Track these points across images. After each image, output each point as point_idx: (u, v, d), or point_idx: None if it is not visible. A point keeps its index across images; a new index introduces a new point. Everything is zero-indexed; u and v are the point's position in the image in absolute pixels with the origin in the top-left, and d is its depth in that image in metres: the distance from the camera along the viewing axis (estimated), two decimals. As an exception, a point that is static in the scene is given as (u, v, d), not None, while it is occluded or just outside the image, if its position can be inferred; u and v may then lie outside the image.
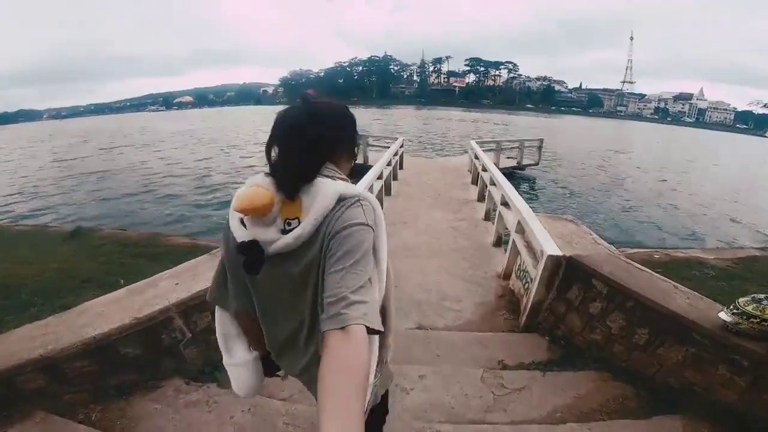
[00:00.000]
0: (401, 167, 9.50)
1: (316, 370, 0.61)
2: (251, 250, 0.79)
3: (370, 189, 4.85)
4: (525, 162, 11.32)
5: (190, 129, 38.06)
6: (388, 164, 6.96)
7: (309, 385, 0.95)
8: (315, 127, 0.81)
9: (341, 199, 0.78)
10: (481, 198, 6.95)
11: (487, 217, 5.93)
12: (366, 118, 43.00)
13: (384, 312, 0.95)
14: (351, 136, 0.94)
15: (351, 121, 0.93)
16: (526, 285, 3.05)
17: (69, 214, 9.53)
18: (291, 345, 0.90)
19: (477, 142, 9.10)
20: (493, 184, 5.62)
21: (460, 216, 6.12)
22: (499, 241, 4.85)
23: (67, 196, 11.55)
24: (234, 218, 0.83)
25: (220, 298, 0.97)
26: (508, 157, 11.29)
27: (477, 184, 7.20)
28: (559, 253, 2.61)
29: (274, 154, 0.83)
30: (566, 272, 2.64)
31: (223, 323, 1.00)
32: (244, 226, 0.82)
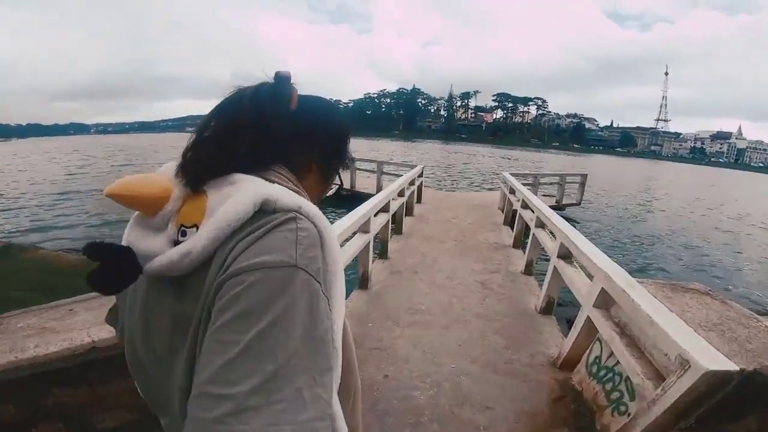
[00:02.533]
0: (419, 200, 8.15)
1: None
2: (106, 256, 0.47)
3: (367, 225, 3.54)
4: (565, 201, 9.70)
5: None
6: (400, 194, 5.63)
7: None
8: (269, 105, 0.53)
9: (265, 209, 0.46)
10: (518, 243, 5.48)
11: (529, 270, 4.48)
12: (390, 150, 42.47)
13: (348, 397, 0.60)
14: (324, 141, 0.62)
15: (334, 121, 0.64)
16: (617, 395, 1.94)
17: (25, 229, 9.08)
18: (168, 404, 0.51)
19: (512, 174, 7.69)
20: (540, 225, 4.20)
21: (491, 266, 4.67)
22: (550, 307, 3.44)
23: (34, 210, 10.99)
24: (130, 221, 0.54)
25: (113, 320, 0.77)
26: (544, 195, 9.65)
27: (513, 226, 5.73)
28: (728, 366, 1.40)
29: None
30: (734, 394, 1.45)
31: None
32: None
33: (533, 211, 4.63)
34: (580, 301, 2.55)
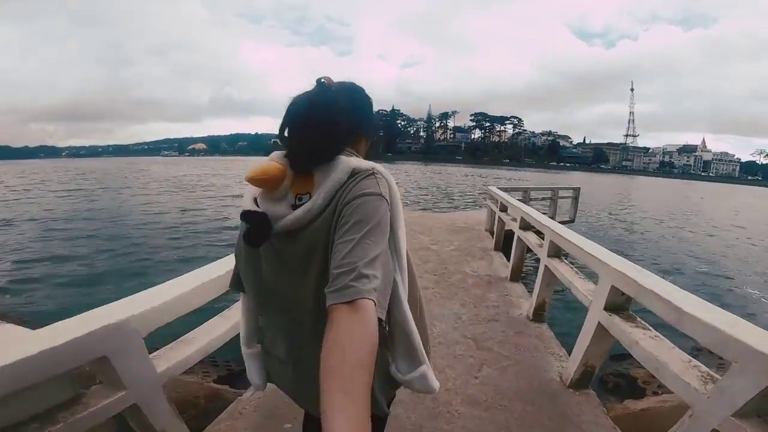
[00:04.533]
0: (393, 223, 6.87)
1: (312, 362, 0.61)
2: (255, 219, 0.74)
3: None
4: (558, 218, 8.52)
5: (178, 176, 38.36)
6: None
7: (303, 378, 0.84)
8: (331, 112, 0.76)
9: (355, 173, 0.74)
10: (517, 274, 4.24)
11: (540, 315, 3.25)
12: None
13: (416, 305, 0.85)
14: (368, 118, 0.90)
15: (368, 102, 0.90)
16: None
17: None
18: (289, 337, 0.85)
19: (501, 189, 6.53)
20: (556, 255, 3.07)
21: (486, 312, 3.43)
22: (586, 379, 2.26)
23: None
24: (248, 198, 0.80)
25: (237, 283, 0.93)
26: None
27: (509, 252, 4.48)
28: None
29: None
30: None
31: (245, 312, 0.96)
32: (257, 205, 0.78)
33: (542, 234, 3.40)
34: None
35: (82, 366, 1.09)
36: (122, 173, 39.24)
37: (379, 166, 0.77)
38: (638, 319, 1.94)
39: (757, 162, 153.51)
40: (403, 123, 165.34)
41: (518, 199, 6.44)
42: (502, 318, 3.32)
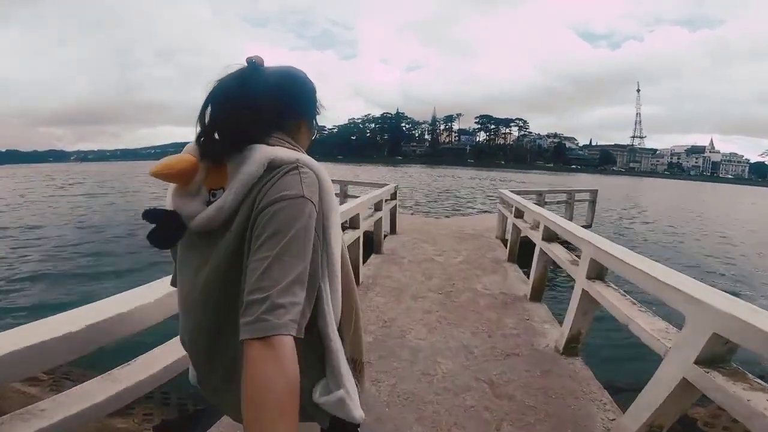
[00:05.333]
0: (393, 230, 6.22)
1: (227, 388, 0.64)
2: (157, 217, 0.66)
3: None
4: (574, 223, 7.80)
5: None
6: (352, 226, 3.70)
7: (222, 403, 0.76)
8: (255, 90, 0.67)
9: (274, 166, 0.62)
10: (539, 293, 3.59)
11: (573, 348, 2.60)
12: (376, 175, 40.81)
13: (350, 317, 0.76)
14: (305, 104, 0.78)
15: (308, 88, 0.78)
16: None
17: None
18: (204, 346, 0.71)
19: (513, 192, 5.86)
20: (598, 278, 2.42)
21: (504, 344, 2.79)
22: None
23: None
24: (168, 194, 0.71)
25: (174, 279, 0.83)
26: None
27: (531, 268, 3.80)
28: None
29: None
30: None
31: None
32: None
33: (572, 246, 2.74)
34: None
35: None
36: (122, 177, 38.79)
37: (305, 157, 0.67)
38: (749, 376, 1.33)
39: (766, 163, 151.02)
40: (407, 126, 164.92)
41: (534, 203, 5.78)
42: (525, 351, 2.66)
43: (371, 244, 4.98)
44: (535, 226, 3.96)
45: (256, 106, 0.66)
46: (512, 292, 3.84)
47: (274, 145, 0.66)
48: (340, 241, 0.70)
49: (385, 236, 5.97)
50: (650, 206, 22.97)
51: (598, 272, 2.40)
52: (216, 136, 0.67)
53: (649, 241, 11.08)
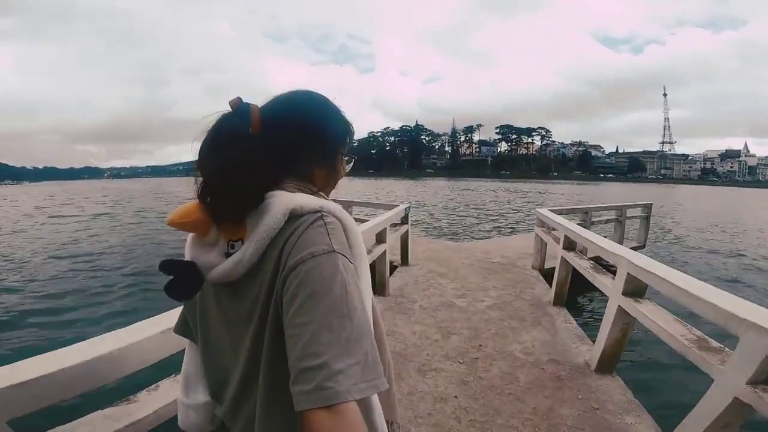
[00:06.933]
0: (405, 261, 5.14)
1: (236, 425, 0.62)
2: (174, 269, 0.63)
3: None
4: (624, 244, 6.50)
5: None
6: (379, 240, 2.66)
7: None
8: (235, 151, 0.59)
9: (295, 216, 0.57)
10: (611, 361, 2.46)
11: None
12: (396, 190, 39.70)
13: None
14: (312, 149, 0.67)
15: (309, 126, 0.67)
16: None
17: None
18: (228, 394, 0.67)
19: (552, 211, 4.72)
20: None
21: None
22: None
23: None
24: (187, 240, 0.67)
25: (183, 329, 0.79)
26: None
27: (604, 328, 2.66)
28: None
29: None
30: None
31: (188, 359, 0.80)
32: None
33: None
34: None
35: None
36: (149, 194, 39.29)
37: (328, 203, 0.60)
38: None
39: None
40: (427, 138, 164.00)
41: (578, 224, 4.60)
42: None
43: (372, 282, 3.93)
44: (595, 265, 2.82)
45: (262, 161, 0.60)
46: (567, 357, 2.72)
47: (293, 191, 0.62)
48: (370, 293, 0.63)
49: (396, 268, 4.92)
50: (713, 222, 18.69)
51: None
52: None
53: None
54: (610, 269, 2.87)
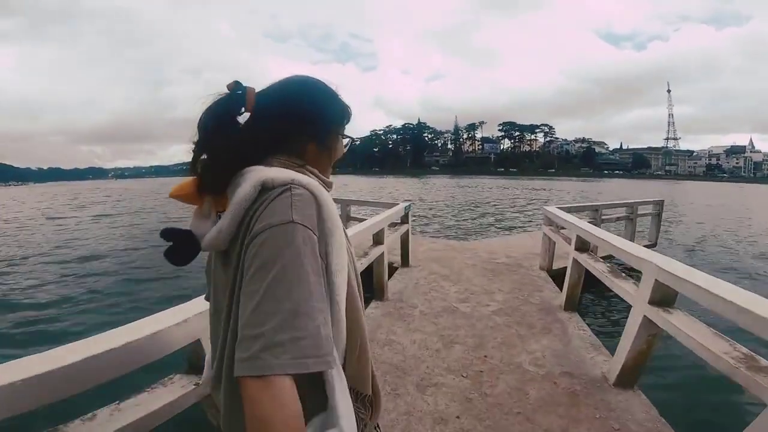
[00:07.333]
0: (405, 262, 4.88)
1: (228, 407, 0.61)
2: (172, 236, 0.68)
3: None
4: (635, 242, 6.19)
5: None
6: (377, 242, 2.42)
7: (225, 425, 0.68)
8: (230, 123, 0.66)
9: (266, 188, 0.59)
10: (631, 375, 2.19)
11: None
12: (400, 188, 39.28)
13: (351, 347, 0.66)
14: (307, 123, 0.70)
15: (305, 102, 0.70)
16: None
17: None
18: (218, 363, 0.67)
19: (561, 209, 4.44)
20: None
21: None
22: None
23: None
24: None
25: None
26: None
27: (627, 338, 2.42)
28: None
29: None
30: None
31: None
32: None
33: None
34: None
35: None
36: (149, 194, 39.01)
37: (301, 177, 0.61)
38: None
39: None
40: (429, 136, 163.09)
41: (587, 221, 4.32)
42: None
43: (370, 285, 3.68)
44: (613, 268, 2.56)
45: (232, 143, 0.64)
46: (582, 369, 2.47)
47: (272, 165, 0.64)
48: (344, 266, 0.61)
49: (396, 269, 4.67)
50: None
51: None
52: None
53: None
54: (631, 271, 2.61)
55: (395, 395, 2.22)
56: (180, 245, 0.67)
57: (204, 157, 0.66)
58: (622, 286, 2.35)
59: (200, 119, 0.65)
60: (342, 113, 0.75)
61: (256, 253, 0.52)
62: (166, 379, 1.28)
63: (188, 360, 1.32)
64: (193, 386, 1.24)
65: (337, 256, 0.59)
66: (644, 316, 1.96)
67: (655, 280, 1.88)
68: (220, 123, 0.64)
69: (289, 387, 0.47)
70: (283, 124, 0.67)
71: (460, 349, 2.75)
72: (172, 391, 1.22)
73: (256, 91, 0.67)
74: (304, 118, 0.69)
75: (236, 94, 0.65)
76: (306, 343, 0.48)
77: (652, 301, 1.91)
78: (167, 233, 0.67)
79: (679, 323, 1.76)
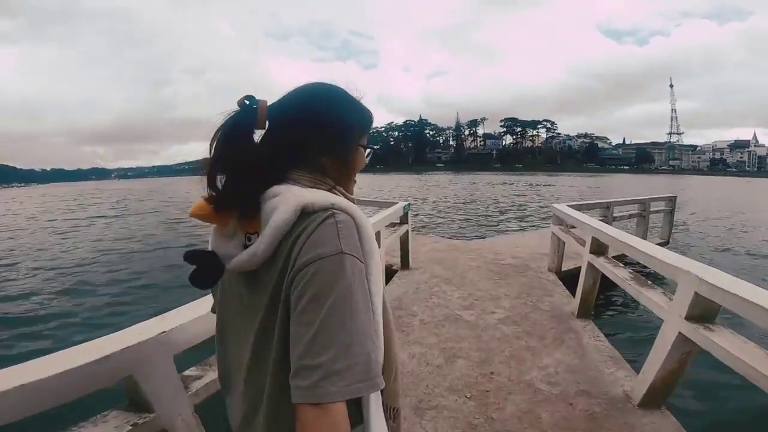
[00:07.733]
0: (405, 264, 4.62)
1: (247, 426, 0.63)
2: (196, 259, 0.65)
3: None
4: (648, 240, 5.89)
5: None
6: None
7: None
8: (245, 142, 0.64)
9: (306, 213, 0.58)
10: (659, 393, 1.92)
11: None
12: (401, 185, 38.89)
13: (387, 368, 0.65)
14: (328, 132, 0.66)
15: (327, 108, 0.67)
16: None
17: None
18: (235, 381, 0.70)
19: (571, 206, 4.15)
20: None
21: None
22: None
23: None
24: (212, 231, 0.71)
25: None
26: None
27: (657, 353, 2.16)
28: None
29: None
30: None
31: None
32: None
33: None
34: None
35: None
36: (149, 194, 38.90)
37: (340, 200, 0.60)
38: None
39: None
40: (431, 133, 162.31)
41: (599, 220, 4.03)
42: None
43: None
44: (636, 276, 2.28)
45: (249, 161, 0.62)
46: (601, 387, 2.20)
47: (298, 184, 0.63)
48: (381, 290, 0.62)
49: (395, 273, 4.41)
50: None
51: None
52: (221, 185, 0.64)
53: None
54: (655, 276, 2.33)
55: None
56: (204, 267, 0.64)
57: (221, 176, 0.63)
58: (651, 298, 2.06)
59: (213, 138, 0.62)
60: (360, 121, 0.71)
61: (308, 284, 0.52)
62: (99, 416, 1.10)
63: (127, 395, 1.14)
64: (130, 427, 1.06)
65: (374, 279, 0.59)
66: (679, 332, 1.68)
67: (695, 293, 1.60)
68: (234, 141, 0.62)
69: (343, 411, 0.50)
70: (297, 132, 0.64)
71: (463, 364, 2.49)
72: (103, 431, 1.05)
73: (269, 103, 0.65)
74: (323, 123, 0.66)
75: (250, 109, 0.63)
76: (358, 369, 0.50)
77: (690, 317, 1.63)
78: (191, 256, 0.64)
79: (724, 344, 1.49)
